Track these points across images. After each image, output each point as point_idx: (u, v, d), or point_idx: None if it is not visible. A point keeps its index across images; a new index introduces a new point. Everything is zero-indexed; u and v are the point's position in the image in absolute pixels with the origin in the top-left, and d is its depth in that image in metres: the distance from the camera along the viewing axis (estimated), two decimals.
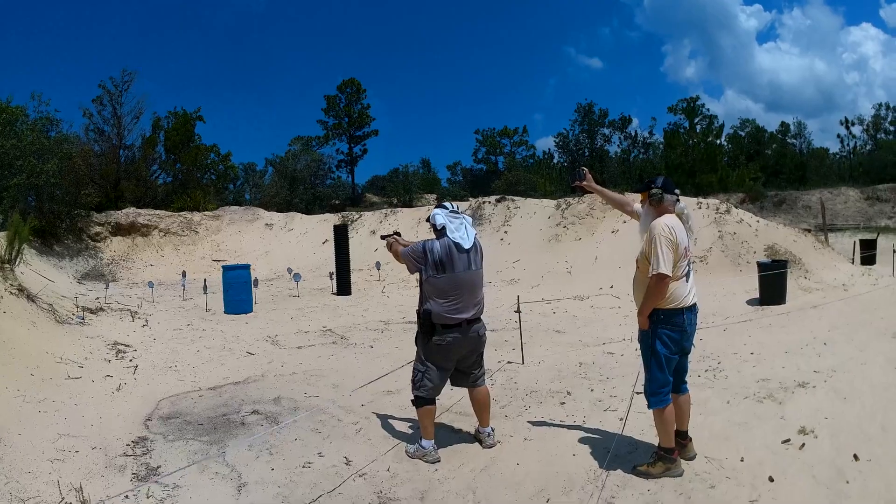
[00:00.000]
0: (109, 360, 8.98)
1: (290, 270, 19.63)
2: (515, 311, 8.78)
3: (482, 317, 5.46)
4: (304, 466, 5.35)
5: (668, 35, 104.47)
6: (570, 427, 5.88)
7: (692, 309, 4.75)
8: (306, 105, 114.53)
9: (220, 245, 27.22)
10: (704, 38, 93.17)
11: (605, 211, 18.85)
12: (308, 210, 36.85)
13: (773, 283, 12.24)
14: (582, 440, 5.50)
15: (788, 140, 64.84)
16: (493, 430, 5.64)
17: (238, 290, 14.40)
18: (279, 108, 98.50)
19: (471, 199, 27.77)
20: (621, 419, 5.79)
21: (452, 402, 6.54)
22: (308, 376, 8.41)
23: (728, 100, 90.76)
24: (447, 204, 5.50)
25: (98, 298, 15.24)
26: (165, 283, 20.69)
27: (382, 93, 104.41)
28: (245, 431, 6.26)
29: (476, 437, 5.68)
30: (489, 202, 23.85)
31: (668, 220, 4.65)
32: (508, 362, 8.59)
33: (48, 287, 13.36)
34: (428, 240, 5.32)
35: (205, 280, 16.08)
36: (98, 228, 26.30)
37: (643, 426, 5.53)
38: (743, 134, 64.14)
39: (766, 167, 57.01)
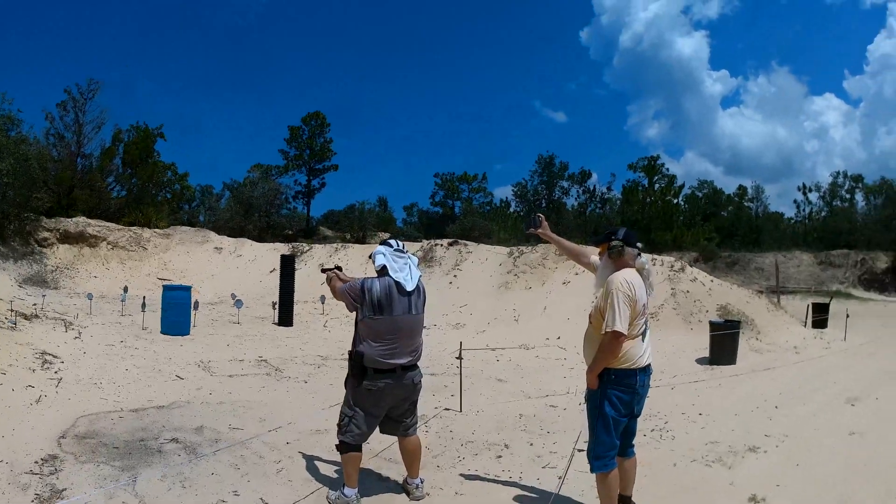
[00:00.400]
0: (34, 370, 8.56)
1: (233, 296, 19.11)
2: (457, 358, 8.45)
3: (419, 364, 5.13)
4: None
5: (634, 94, 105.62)
6: (505, 483, 5.55)
7: (646, 370, 4.47)
8: (268, 134, 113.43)
9: (167, 264, 26.63)
10: (670, 100, 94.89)
11: (558, 262, 18.74)
12: (260, 238, 36.28)
13: (724, 343, 12.15)
14: (517, 498, 5.19)
15: (745, 203, 66.06)
16: (422, 482, 5.27)
17: (176, 310, 13.87)
18: (240, 137, 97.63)
19: (423, 240, 27.53)
20: (560, 478, 5.45)
21: (382, 447, 6.15)
22: (235, 407, 7.97)
23: (688, 161, 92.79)
24: (392, 242, 5.15)
25: (35, 305, 14.62)
26: (108, 296, 20.04)
27: (345, 129, 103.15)
28: (161, 460, 5.85)
29: (404, 488, 5.30)
30: (441, 245, 23.64)
31: (627, 275, 4.40)
32: (446, 409, 8.23)
33: None
34: (368, 277, 4.98)
35: (144, 297, 15.52)
36: (46, 234, 25.67)
37: (583, 487, 5.22)
38: (700, 195, 65.22)
39: (721, 228, 58.04)
